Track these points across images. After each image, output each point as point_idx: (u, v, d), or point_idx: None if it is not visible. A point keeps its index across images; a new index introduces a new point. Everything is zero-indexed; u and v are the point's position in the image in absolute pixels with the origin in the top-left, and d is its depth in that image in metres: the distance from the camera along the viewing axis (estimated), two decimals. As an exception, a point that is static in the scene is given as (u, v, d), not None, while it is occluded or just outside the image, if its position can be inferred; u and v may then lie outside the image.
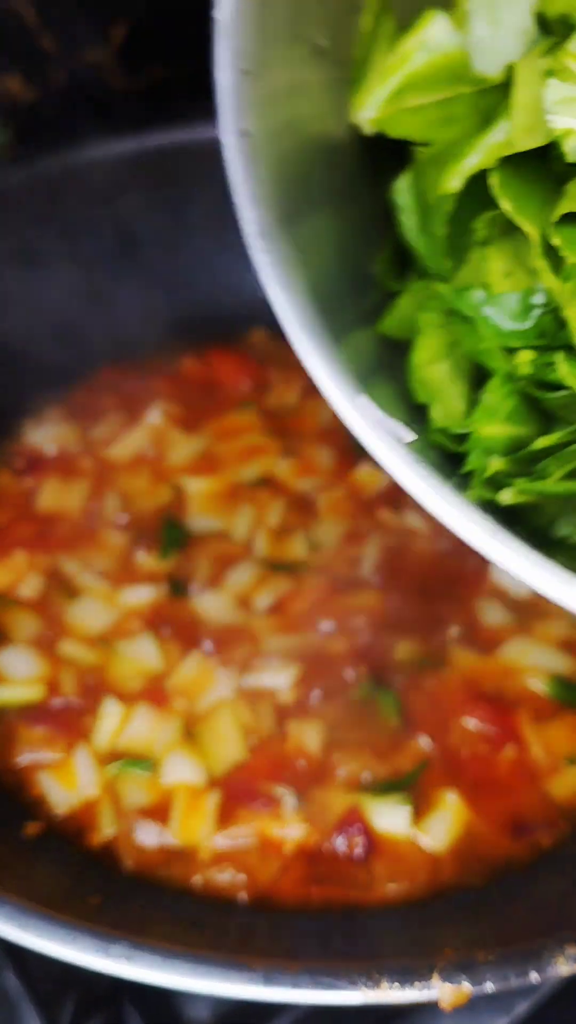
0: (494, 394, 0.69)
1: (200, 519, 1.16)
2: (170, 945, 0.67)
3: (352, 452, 1.23)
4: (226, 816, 0.91)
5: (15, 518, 1.17)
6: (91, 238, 1.36)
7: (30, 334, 1.32)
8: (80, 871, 0.86)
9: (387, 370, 0.74)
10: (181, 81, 1.41)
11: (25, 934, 0.64)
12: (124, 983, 0.82)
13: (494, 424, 0.68)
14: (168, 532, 1.14)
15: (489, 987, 0.63)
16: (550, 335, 0.67)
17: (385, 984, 0.62)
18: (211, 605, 1.07)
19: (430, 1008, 0.82)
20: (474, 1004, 0.82)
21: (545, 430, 0.68)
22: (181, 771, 0.93)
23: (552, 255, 0.62)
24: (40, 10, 1.29)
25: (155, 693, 0.99)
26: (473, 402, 0.71)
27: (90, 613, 1.07)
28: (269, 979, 0.62)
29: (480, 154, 0.68)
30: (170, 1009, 0.85)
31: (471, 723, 0.96)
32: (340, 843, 0.88)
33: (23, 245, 1.29)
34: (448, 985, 0.62)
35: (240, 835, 0.90)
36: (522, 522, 0.67)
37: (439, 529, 1.13)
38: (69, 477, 1.22)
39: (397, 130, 0.73)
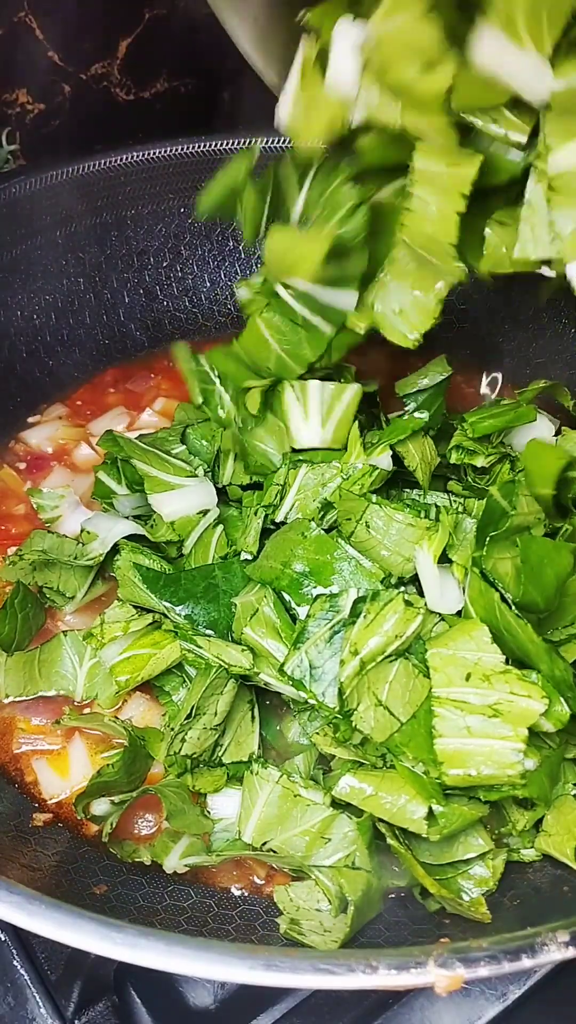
0: None
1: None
2: (174, 932, 0.68)
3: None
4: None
5: (21, 513, 1.19)
6: (97, 245, 1.39)
7: (36, 338, 1.34)
8: (85, 860, 0.87)
9: None
10: (184, 94, 1.43)
11: (34, 921, 0.65)
12: (129, 969, 0.84)
13: None
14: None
15: (483, 972, 0.64)
16: None
17: (382, 970, 0.63)
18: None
19: (426, 993, 0.83)
20: (468, 990, 0.84)
21: None
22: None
23: None
24: (48, 26, 1.31)
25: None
26: None
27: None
28: (270, 964, 0.63)
29: None
30: (173, 995, 0.86)
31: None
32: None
33: (31, 252, 1.32)
34: (443, 970, 0.63)
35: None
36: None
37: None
38: (71, 472, 1.24)
39: None
